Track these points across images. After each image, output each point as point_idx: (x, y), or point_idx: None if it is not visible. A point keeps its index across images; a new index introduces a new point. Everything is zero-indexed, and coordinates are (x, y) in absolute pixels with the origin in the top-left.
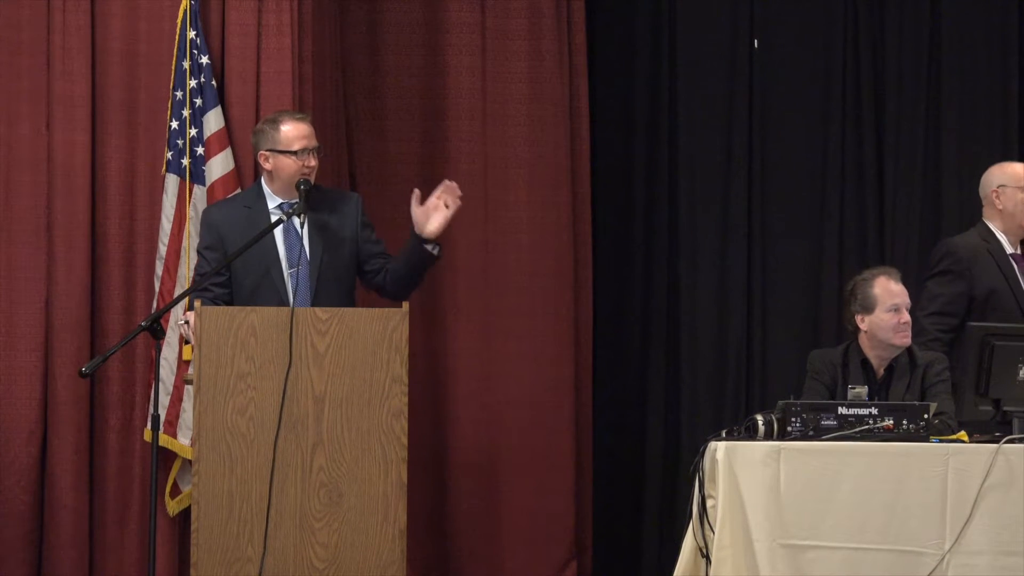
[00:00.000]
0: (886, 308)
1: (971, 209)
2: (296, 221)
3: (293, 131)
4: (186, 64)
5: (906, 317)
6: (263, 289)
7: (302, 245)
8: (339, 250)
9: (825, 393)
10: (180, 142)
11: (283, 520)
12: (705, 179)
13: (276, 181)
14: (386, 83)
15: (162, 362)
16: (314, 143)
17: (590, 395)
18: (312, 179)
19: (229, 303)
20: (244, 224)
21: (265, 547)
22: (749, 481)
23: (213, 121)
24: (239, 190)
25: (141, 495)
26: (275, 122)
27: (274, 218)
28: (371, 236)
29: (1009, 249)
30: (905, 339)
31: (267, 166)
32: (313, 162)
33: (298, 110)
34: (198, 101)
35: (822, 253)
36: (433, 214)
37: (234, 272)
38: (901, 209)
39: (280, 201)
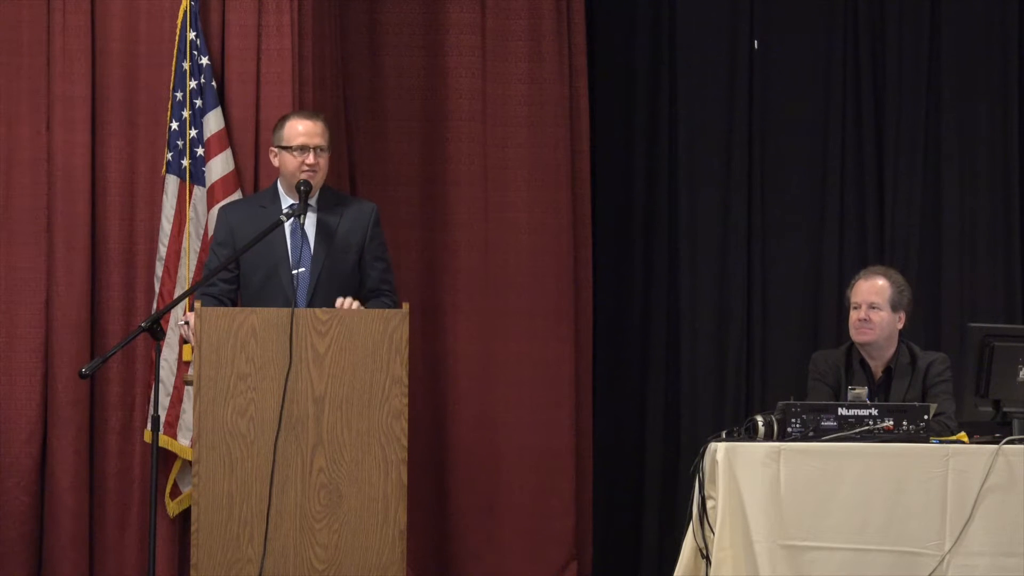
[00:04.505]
0: (851, 305)
1: (971, 209)
2: (301, 222)
3: (296, 128)
4: (186, 65)
5: (864, 315)
6: (270, 288)
7: (305, 247)
8: (343, 255)
9: (830, 395)
10: (180, 143)
11: (283, 521)
12: (705, 179)
13: (284, 179)
14: (386, 84)
15: (162, 363)
16: (315, 142)
17: (590, 395)
18: (316, 178)
19: (234, 300)
20: (257, 223)
21: (265, 548)
22: (749, 482)
23: (213, 122)
24: (239, 191)
25: (141, 496)
26: (285, 119)
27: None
28: (375, 251)
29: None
30: (860, 335)
31: (275, 162)
32: (311, 159)
33: (300, 111)
34: (198, 102)
35: (822, 253)
36: None
37: (243, 270)
38: (901, 209)
39: (292, 201)
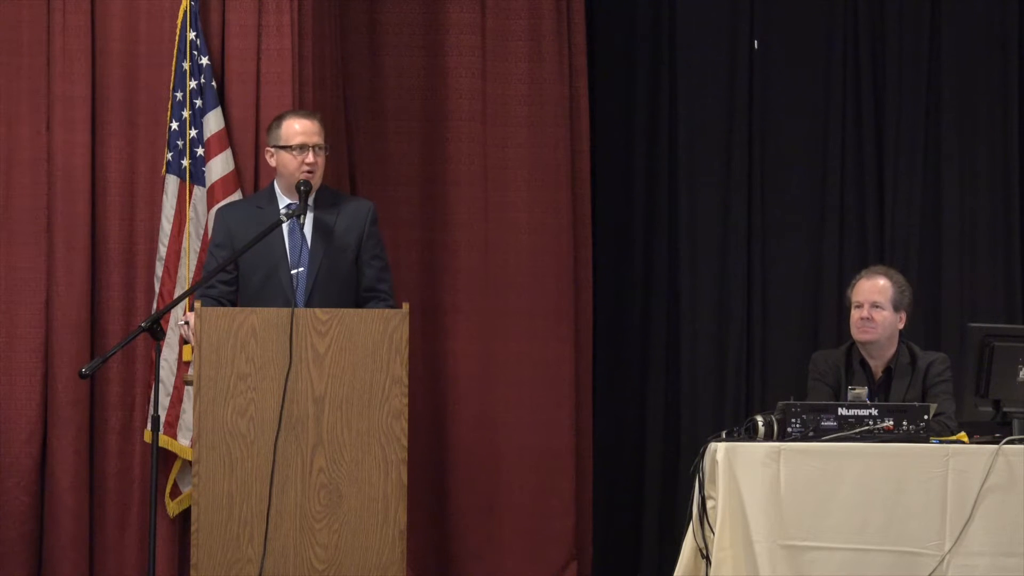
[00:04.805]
0: (852, 305)
1: (971, 209)
2: (300, 221)
3: (294, 127)
4: (186, 65)
5: (867, 313)
6: (269, 288)
7: (304, 246)
8: (341, 255)
9: (830, 395)
10: (180, 143)
11: (283, 521)
12: (705, 179)
13: (281, 179)
14: (386, 84)
15: (162, 363)
16: (314, 140)
17: (590, 395)
18: (315, 178)
19: (234, 302)
20: (255, 224)
21: (265, 548)
22: (749, 482)
23: (213, 122)
24: (239, 191)
25: (141, 496)
26: (281, 118)
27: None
28: (372, 250)
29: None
30: (863, 334)
31: (272, 162)
32: (311, 158)
33: (296, 110)
34: (198, 102)
35: (822, 253)
36: None
37: (242, 270)
38: (901, 209)
39: (289, 201)
